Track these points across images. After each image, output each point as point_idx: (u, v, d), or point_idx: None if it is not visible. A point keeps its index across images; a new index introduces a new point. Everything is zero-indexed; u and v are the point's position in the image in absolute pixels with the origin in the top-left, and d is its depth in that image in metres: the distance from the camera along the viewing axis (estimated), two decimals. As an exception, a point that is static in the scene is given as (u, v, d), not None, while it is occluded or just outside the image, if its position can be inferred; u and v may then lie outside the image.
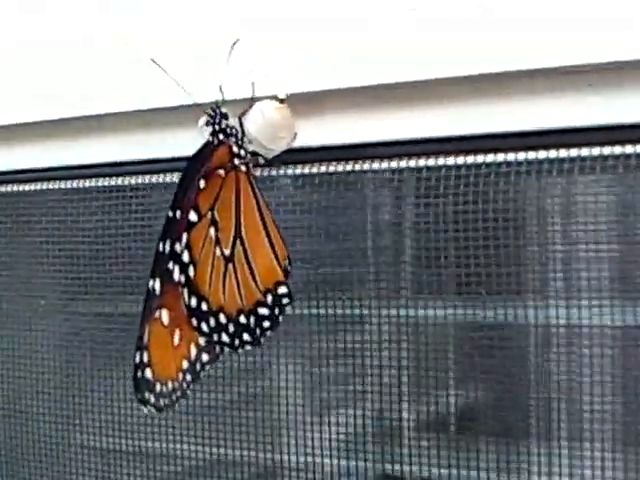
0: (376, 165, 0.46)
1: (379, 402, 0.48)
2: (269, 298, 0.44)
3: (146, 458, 0.56)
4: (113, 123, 0.53)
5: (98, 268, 0.57)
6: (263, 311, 0.44)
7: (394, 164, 0.46)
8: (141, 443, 0.56)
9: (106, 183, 0.55)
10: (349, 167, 0.47)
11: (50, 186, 0.57)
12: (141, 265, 0.53)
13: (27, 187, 0.58)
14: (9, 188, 0.59)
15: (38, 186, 0.58)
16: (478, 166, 0.44)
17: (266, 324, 0.44)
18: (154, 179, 0.53)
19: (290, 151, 0.46)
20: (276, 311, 0.44)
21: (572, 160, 0.42)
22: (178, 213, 0.43)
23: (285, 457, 0.51)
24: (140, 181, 0.54)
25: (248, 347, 0.44)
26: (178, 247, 0.43)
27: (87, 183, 0.56)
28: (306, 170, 0.48)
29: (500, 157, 0.43)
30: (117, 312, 0.56)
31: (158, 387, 0.43)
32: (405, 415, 0.48)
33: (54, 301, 0.61)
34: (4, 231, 0.62)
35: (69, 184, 0.56)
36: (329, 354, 0.49)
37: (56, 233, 0.58)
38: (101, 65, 0.52)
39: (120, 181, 0.54)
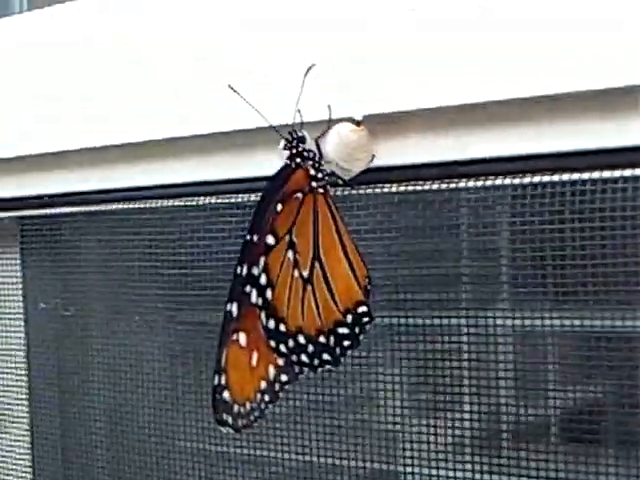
0: (454, 184, 0.46)
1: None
2: (349, 317, 0.44)
3: (248, 464, 0.58)
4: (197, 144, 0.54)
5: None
6: (343, 330, 0.44)
7: (477, 183, 0.46)
8: (244, 449, 0.57)
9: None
10: (427, 187, 0.47)
11: (138, 205, 0.59)
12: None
13: (114, 206, 0.60)
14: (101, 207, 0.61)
15: (126, 205, 0.59)
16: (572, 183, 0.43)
17: (346, 343, 0.45)
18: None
19: (369, 171, 0.47)
20: (356, 330, 0.45)
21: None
22: (255, 237, 0.44)
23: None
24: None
25: (327, 367, 0.45)
26: (255, 270, 0.44)
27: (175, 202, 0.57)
28: (385, 190, 0.48)
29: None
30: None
31: (236, 408, 0.44)
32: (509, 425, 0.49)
33: (158, 312, 0.63)
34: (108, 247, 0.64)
35: (155, 203, 0.57)
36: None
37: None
38: (183, 89, 0.53)
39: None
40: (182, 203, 0.56)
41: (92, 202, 0.61)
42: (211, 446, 0.59)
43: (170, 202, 0.56)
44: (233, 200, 0.53)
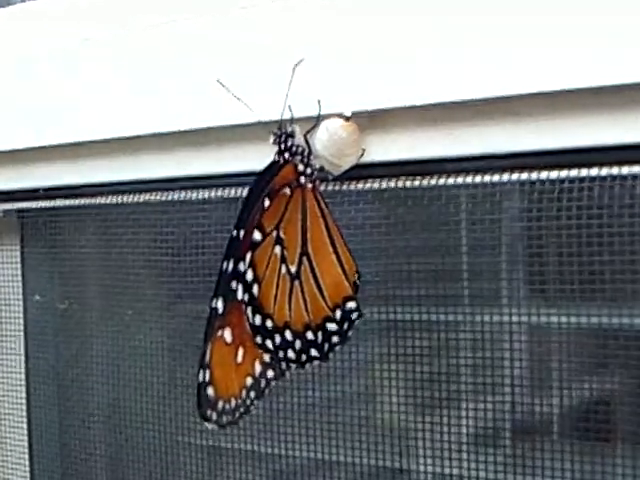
0: (443, 180, 0.46)
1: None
2: (337, 313, 0.44)
3: (251, 458, 0.58)
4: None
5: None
6: (331, 326, 0.44)
7: (464, 179, 0.45)
8: (246, 443, 0.57)
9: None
10: (417, 183, 0.46)
11: (128, 199, 0.59)
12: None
13: (112, 199, 0.60)
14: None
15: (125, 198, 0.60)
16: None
17: (335, 339, 0.44)
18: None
19: (358, 167, 0.47)
20: (345, 326, 0.44)
21: None
22: (242, 233, 0.44)
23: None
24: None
25: (315, 363, 0.45)
26: (242, 266, 0.44)
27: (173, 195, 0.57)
28: (375, 185, 0.48)
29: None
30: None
31: (220, 404, 0.44)
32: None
33: (157, 303, 0.63)
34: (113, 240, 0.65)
35: (152, 196, 0.57)
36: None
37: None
38: (174, 84, 0.53)
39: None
40: (176, 197, 0.55)
41: (90, 195, 0.61)
42: (210, 441, 0.59)
43: (165, 196, 0.56)
44: (225, 194, 0.53)
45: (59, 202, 0.63)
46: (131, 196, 0.59)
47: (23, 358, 0.70)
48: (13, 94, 0.62)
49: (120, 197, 0.59)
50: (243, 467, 0.58)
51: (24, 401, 0.69)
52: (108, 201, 0.60)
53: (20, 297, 0.70)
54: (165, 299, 0.62)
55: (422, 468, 0.50)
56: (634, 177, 0.41)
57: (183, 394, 0.60)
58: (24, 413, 0.70)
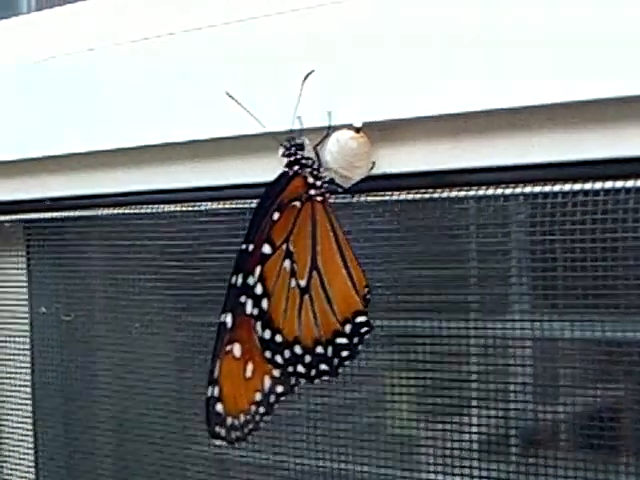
0: (454, 193, 0.45)
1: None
2: (347, 327, 0.44)
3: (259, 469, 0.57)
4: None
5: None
6: (341, 340, 0.44)
7: (476, 192, 0.45)
8: (254, 454, 0.57)
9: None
10: (428, 195, 0.46)
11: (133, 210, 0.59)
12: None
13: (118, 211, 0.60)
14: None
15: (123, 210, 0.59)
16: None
17: (344, 353, 0.44)
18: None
19: (368, 179, 0.46)
20: (355, 340, 0.44)
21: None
22: (251, 246, 0.44)
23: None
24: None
25: (325, 377, 0.44)
26: (251, 280, 0.43)
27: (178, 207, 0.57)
28: (386, 198, 0.47)
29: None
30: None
31: (229, 420, 0.43)
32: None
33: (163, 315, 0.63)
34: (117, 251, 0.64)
35: (158, 208, 0.57)
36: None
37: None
38: (183, 95, 0.53)
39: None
40: (184, 208, 0.55)
41: (97, 206, 0.61)
42: (217, 452, 0.59)
43: (172, 207, 0.56)
44: (234, 206, 0.53)
45: (65, 213, 0.63)
46: (138, 207, 0.58)
47: (29, 370, 0.69)
48: (19, 104, 0.62)
49: (127, 208, 0.59)
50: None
51: (30, 414, 0.69)
52: (114, 212, 0.60)
53: (26, 308, 0.69)
54: (172, 311, 0.62)
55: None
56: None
57: (191, 407, 0.60)
58: (30, 423, 0.70)
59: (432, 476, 0.49)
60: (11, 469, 0.70)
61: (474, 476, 0.47)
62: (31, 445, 0.69)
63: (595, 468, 0.44)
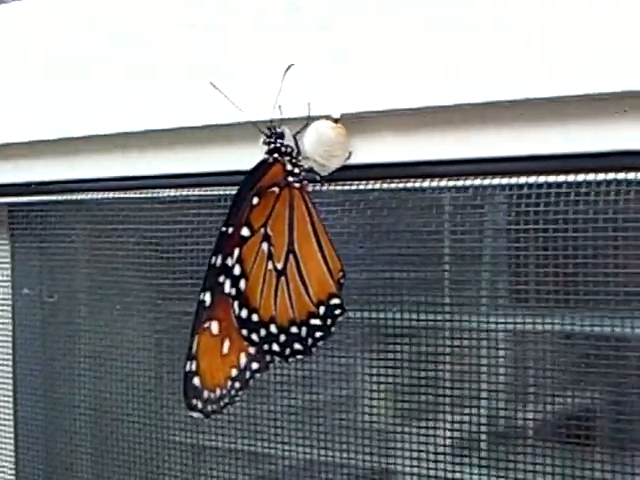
0: (427, 183, 0.47)
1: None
2: (321, 309, 0.45)
3: (234, 456, 0.58)
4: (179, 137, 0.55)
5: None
6: (315, 322, 0.45)
7: (447, 182, 0.47)
8: (230, 441, 0.58)
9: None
10: (401, 185, 0.48)
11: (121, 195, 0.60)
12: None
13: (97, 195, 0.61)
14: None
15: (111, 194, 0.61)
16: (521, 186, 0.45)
17: (318, 334, 0.46)
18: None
19: (345, 168, 0.48)
20: (328, 322, 0.46)
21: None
22: (231, 229, 0.45)
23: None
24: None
25: (299, 356, 0.46)
26: (230, 261, 0.45)
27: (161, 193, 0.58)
28: (361, 187, 0.49)
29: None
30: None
31: (206, 394, 0.45)
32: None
33: (143, 301, 0.64)
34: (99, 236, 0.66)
35: (139, 193, 0.59)
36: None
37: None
38: (167, 83, 0.54)
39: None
40: (165, 194, 0.57)
41: (80, 190, 0.62)
42: (198, 439, 0.60)
43: (153, 193, 0.57)
44: (215, 192, 0.54)
45: (49, 197, 0.64)
46: (121, 192, 0.60)
47: (11, 351, 0.70)
48: (4, 89, 0.63)
49: (110, 193, 0.60)
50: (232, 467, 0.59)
51: (10, 395, 0.70)
52: (98, 197, 0.61)
53: (9, 290, 0.70)
54: (154, 294, 0.63)
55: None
56: (619, 182, 0.42)
57: (170, 389, 0.61)
58: (10, 407, 0.71)
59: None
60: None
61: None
62: (11, 423, 0.70)
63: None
